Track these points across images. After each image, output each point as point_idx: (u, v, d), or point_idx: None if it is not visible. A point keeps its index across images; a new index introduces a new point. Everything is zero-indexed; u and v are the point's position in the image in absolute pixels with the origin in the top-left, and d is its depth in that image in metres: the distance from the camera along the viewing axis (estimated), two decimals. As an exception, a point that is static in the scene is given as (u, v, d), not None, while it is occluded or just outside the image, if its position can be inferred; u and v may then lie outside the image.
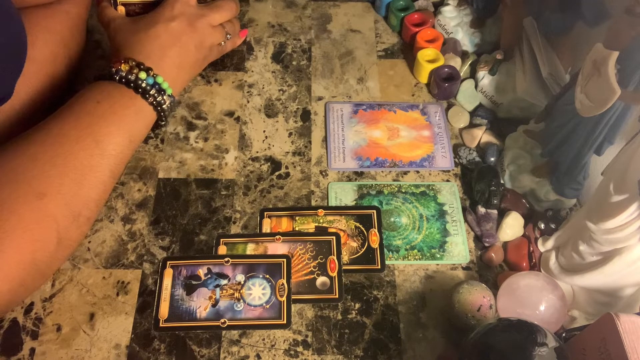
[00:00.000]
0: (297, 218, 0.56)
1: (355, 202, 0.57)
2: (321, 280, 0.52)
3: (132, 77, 0.52)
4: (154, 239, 0.54)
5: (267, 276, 0.52)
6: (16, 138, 0.48)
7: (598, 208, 0.45)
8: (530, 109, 0.60)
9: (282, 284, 0.51)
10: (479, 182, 0.56)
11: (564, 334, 0.47)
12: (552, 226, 0.54)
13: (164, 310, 0.50)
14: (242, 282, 0.51)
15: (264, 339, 0.49)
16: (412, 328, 0.50)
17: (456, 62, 0.65)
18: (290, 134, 0.62)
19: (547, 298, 0.46)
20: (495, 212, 0.56)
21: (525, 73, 0.59)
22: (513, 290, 0.48)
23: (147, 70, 0.53)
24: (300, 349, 0.49)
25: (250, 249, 0.54)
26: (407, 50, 0.69)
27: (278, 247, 0.54)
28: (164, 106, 0.54)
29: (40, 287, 0.51)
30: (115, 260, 0.53)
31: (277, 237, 0.54)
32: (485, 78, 0.63)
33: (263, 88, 0.66)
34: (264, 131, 0.62)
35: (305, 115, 0.64)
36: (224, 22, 0.62)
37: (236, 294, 0.51)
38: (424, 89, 0.66)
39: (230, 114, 0.63)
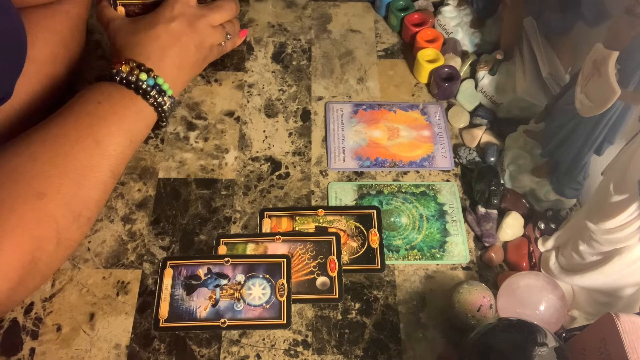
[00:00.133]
0: (297, 218, 0.56)
1: (355, 202, 0.57)
2: (321, 280, 0.52)
3: (133, 79, 0.52)
4: (154, 239, 0.54)
5: (267, 276, 0.52)
6: (16, 138, 0.48)
7: (598, 208, 0.45)
8: (530, 109, 0.60)
9: (282, 284, 0.51)
10: (479, 182, 0.56)
11: (564, 334, 0.47)
12: (552, 226, 0.54)
13: (164, 310, 0.50)
14: (242, 282, 0.51)
15: (264, 339, 0.49)
16: (412, 328, 0.50)
17: (456, 62, 0.65)
18: (290, 134, 0.62)
19: (547, 298, 0.46)
20: (495, 212, 0.56)
21: (525, 73, 0.59)
22: (513, 290, 0.48)
23: (148, 71, 0.53)
24: (300, 349, 0.49)
25: (250, 249, 0.54)
26: (407, 50, 0.69)
27: (278, 247, 0.54)
28: (164, 107, 0.54)
29: (40, 287, 0.51)
30: (115, 260, 0.53)
31: (277, 237, 0.54)
32: (485, 78, 0.63)
33: (263, 88, 0.66)
34: (264, 131, 0.62)
35: (305, 115, 0.64)
36: (224, 22, 0.62)
37: (236, 294, 0.51)
38: (424, 89, 0.66)
39: (230, 114, 0.63)
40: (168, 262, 0.52)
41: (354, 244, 0.54)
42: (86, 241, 0.54)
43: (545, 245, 0.53)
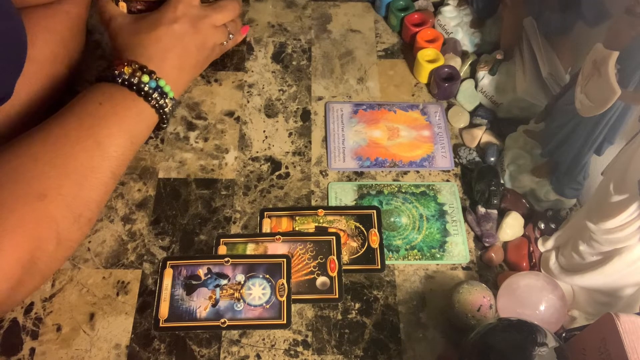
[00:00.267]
0: (297, 218, 0.56)
1: (355, 202, 0.57)
2: (321, 280, 0.52)
3: (135, 80, 0.52)
4: (154, 239, 0.54)
5: (267, 276, 0.52)
6: (17, 138, 0.48)
7: (598, 208, 0.45)
8: (530, 109, 0.60)
9: (282, 284, 0.51)
10: (479, 182, 0.56)
11: (564, 334, 0.47)
12: (552, 226, 0.54)
13: (164, 310, 0.50)
14: (242, 282, 0.51)
15: (264, 339, 0.49)
16: (412, 328, 0.50)
17: (456, 62, 0.65)
18: (290, 134, 0.62)
19: (547, 298, 0.46)
20: (495, 212, 0.56)
21: (525, 73, 0.59)
22: (513, 290, 0.48)
23: (150, 73, 0.53)
24: (300, 349, 0.49)
25: (250, 249, 0.54)
26: (407, 50, 0.69)
27: (278, 247, 0.54)
28: (165, 109, 0.54)
29: (40, 287, 0.51)
30: (115, 260, 0.53)
31: (277, 237, 0.54)
32: (485, 78, 0.63)
33: (263, 88, 0.66)
34: (264, 131, 0.62)
35: (305, 115, 0.64)
36: (226, 22, 0.62)
37: (236, 294, 0.51)
38: (424, 89, 0.66)
39: (230, 114, 0.63)
40: (168, 262, 0.52)
41: (354, 244, 0.54)
42: (86, 241, 0.54)
43: (545, 245, 0.53)
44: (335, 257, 0.53)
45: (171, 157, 0.60)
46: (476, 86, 0.64)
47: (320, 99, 0.65)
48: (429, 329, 0.50)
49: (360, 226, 0.55)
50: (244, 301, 0.51)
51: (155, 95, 0.53)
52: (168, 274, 0.52)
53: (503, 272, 0.53)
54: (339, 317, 0.51)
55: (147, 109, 0.53)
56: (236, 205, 0.57)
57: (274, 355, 0.49)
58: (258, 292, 0.51)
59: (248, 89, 0.65)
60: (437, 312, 0.51)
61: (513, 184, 0.57)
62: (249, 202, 0.57)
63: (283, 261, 0.52)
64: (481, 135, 0.61)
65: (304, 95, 0.65)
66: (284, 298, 0.51)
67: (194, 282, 0.51)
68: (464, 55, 0.67)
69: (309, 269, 0.53)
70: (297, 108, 0.64)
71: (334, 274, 0.52)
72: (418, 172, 0.60)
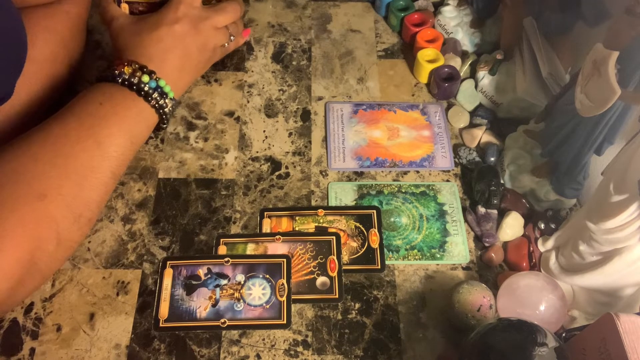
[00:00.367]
0: (297, 218, 0.56)
1: (355, 202, 0.57)
2: (321, 280, 0.52)
3: (135, 80, 0.52)
4: (154, 239, 0.54)
5: (267, 276, 0.52)
6: (17, 138, 0.48)
7: (598, 208, 0.45)
8: (530, 109, 0.60)
9: (282, 284, 0.51)
10: (479, 182, 0.56)
11: (564, 334, 0.47)
12: (552, 226, 0.54)
13: (164, 310, 0.50)
14: (242, 282, 0.51)
15: (264, 339, 0.49)
16: (412, 328, 0.50)
17: (456, 62, 0.65)
18: (290, 134, 0.62)
19: (547, 298, 0.46)
20: (495, 212, 0.56)
21: (525, 73, 0.59)
22: (513, 290, 0.48)
23: (150, 73, 0.53)
24: (300, 349, 0.49)
25: (250, 249, 0.54)
26: (407, 50, 0.69)
27: (278, 247, 0.54)
28: (165, 109, 0.54)
29: (40, 287, 0.51)
30: (115, 260, 0.53)
31: (277, 237, 0.54)
32: (485, 78, 0.63)
33: (263, 88, 0.66)
34: (264, 131, 0.62)
35: (305, 115, 0.64)
36: (228, 24, 0.62)
37: (236, 294, 0.51)
38: (424, 89, 0.66)
39: (230, 114, 0.63)
40: (168, 262, 0.52)
41: (354, 244, 0.54)
42: (86, 241, 0.54)
43: (545, 245, 0.53)
44: (335, 257, 0.53)
45: (171, 157, 0.60)
46: (476, 86, 0.64)
47: (320, 99, 0.65)
48: (429, 329, 0.50)
49: (360, 226, 0.55)
50: (244, 301, 0.51)
51: (155, 95, 0.53)
52: (168, 274, 0.52)
53: (503, 272, 0.53)
54: (339, 317, 0.51)
55: (147, 109, 0.53)
56: (236, 205, 0.57)
57: (274, 355, 0.49)
58: (258, 292, 0.51)
59: (248, 89, 0.65)
60: (437, 312, 0.51)
61: (513, 184, 0.57)
62: (249, 202, 0.57)
63: (283, 261, 0.52)
64: (481, 135, 0.61)
65: (304, 95, 0.65)
66: (284, 298, 0.51)
67: (194, 282, 0.51)
68: (464, 55, 0.67)
69: (309, 269, 0.53)
70: (297, 108, 0.64)
71: (334, 274, 0.52)
72: (418, 172, 0.60)
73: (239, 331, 0.50)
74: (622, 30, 0.41)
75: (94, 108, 0.50)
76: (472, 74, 0.65)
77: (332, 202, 0.57)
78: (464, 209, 0.57)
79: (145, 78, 0.52)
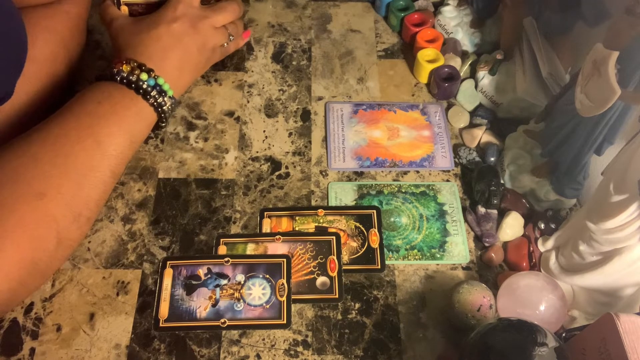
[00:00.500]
0: (297, 218, 0.56)
1: (355, 202, 0.57)
2: (321, 280, 0.52)
3: (134, 78, 0.52)
4: (154, 239, 0.54)
5: (267, 276, 0.52)
6: (17, 138, 0.48)
7: (598, 208, 0.45)
8: (530, 109, 0.60)
9: (282, 284, 0.51)
10: (479, 182, 0.56)
11: (564, 334, 0.47)
12: (552, 226, 0.54)
13: (164, 310, 0.50)
14: (242, 282, 0.51)
15: (264, 339, 0.49)
16: (412, 328, 0.50)
17: (456, 62, 0.65)
18: (290, 134, 0.62)
19: (547, 298, 0.46)
20: (495, 212, 0.56)
21: (525, 73, 0.59)
22: (513, 290, 0.48)
23: (149, 71, 0.53)
24: (300, 349, 0.49)
25: (250, 249, 0.54)
26: (407, 50, 0.69)
27: (278, 247, 0.54)
28: (164, 107, 0.54)
29: (40, 287, 0.51)
30: (115, 260, 0.53)
31: (277, 237, 0.54)
32: (485, 78, 0.63)
33: (263, 88, 0.66)
34: (264, 131, 0.62)
35: (305, 115, 0.64)
36: (227, 24, 0.62)
37: (236, 294, 0.51)
38: (424, 89, 0.66)
39: (230, 114, 0.63)
40: (168, 262, 0.52)
41: (354, 244, 0.54)
42: (86, 241, 0.54)
43: (545, 245, 0.53)
44: (335, 257, 0.53)
45: (171, 157, 0.60)
46: (476, 86, 0.64)
47: (320, 99, 0.65)
48: (429, 329, 0.50)
49: (360, 226, 0.55)
50: (244, 301, 0.51)
51: (154, 93, 0.53)
52: (168, 274, 0.52)
53: (503, 272, 0.53)
54: (339, 317, 0.51)
55: (146, 107, 0.53)
56: (236, 205, 0.57)
57: (274, 355, 0.49)
58: (258, 292, 0.51)
59: (248, 89, 0.65)
60: (437, 312, 0.51)
61: (513, 184, 0.57)
62: (249, 202, 0.57)
63: (283, 261, 0.52)
64: (481, 135, 0.61)
65: (304, 95, 0.65)
66: (284, 298, 0.51)
67: (194, 282, 0.51)
68: (464, 55, 0.67)
69: (309, 269, 0.53)
70: (297, 108, 0.64)
71: (334, 274, 0.52)
72: (418, 172, 0.60)
73: (239, 331, 0.50)
74: (622, 30, 0.41)
75: (93, 107, 0.50)
76: (472, 74, 0.65)
77: (332, 202, 0.57)
78: (464, 209, 0.57)
79: (144, 76, 0.52)
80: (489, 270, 0.54)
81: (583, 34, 0.55)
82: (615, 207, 0.43)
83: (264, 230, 0.55)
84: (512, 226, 0.55)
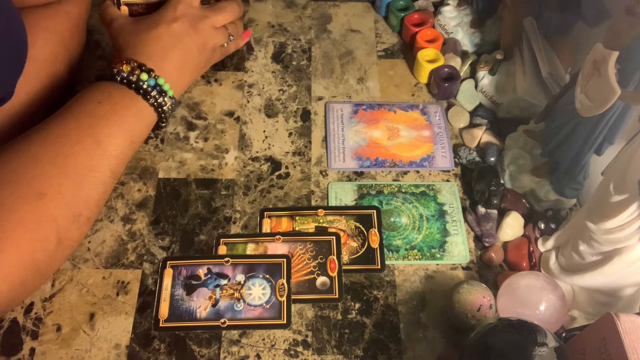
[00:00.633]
0: (297, 218, 0.56)
1: (355, 202, 0.57)
2: (321, 280, 0.52)
3: (134, 78, 0.52)
4: (154, 239, 0.54)
5: (267, 276, 0.52)
6: (17, 138, 0.48)
7: (598, 208, 0.45)
8: (530, 109, 0.60)
9: (282, 284, 0.51)
10: (479, 182, 0.56)
11: (564, 334, 0.47)
12: (552, 226, 0.54)
13: (164, 310, 0.50)
14: (242, 282, 0.51)
15: (264, 339, 0.49)
16: (412, 328, 0.50)
17: (456, 62, 0.65)
18: (290, 134, 0.62)
19: (547, 298, 0.46)
20: (495, 212, 0.56)
21: (525, 73, 0.59)
22: (513, 290, 0.48)
23: (149, 71, 0.53)
24: (300, 349, 0.49)
25: (250, 249, 0.54)
26: (407, 50, 0.69)
27: (278, 247, 0.54)
28: (164, 107, 0.54)
29: (40, 287, 0.51)
30: (115, 260, 0.53)
31: (277, 237, 0.54)
32: (485, 78, 0.63)
33: (263, 88, 0.66)
34: (264, 131, 0.62)
35: (305, 115, 0.64)
36: (227, 24, 0.62)
37: (236, 294, 0.51)
38: (424, 89, 0.66)
39: (230, 114, 0.63)
40: (168, 262, 0.52)
41: (354, 244, 0.54)
42: (86, 241, 0.54)
43: (545, 245, 0.53)
44: (335, 257, 0.53)
45: (171, 157, 0.60)
46: (476, 86, 0.64)
47: (320, 99, 0.65)
48: (429, 329, 0.50)
49: (360, 226, 0.55)
50: (244, 301, 0.51)
51: (154, 93, 0.53)
52: (168, 274, 0.52)
53: (503, 272, 0.53)
54: (339, 317, 0.51)
55: (146, 107, 0.53)
56: (236, 205, 0.57)
57: (274, 355, 0.49)
58: (258, 292, 0.51)
59: (248, 89, 0.65)
60: (437, 312, 0.51)
61: (513, 184, 0.57)
62: (249, 202, 0.57)
63: (283, 261, 0.52)
64: (481, 135, 0.61)
65: (304, 95, 0.65)
66: (284, 298, 0.51)
67: (194, 282, 0.51)
68: (464, 55, 0.67)
69: (309, 269, 0.53)
70: (297, 108, 0.64)
71: (334, 274, 0.52)
72: (418, 172, 0.60)
73: (239, 331, 0.50)
74: (622, 30, 0.41)
75: (93, 107, 0.50)
76: (472, 74, 0.65)
77: (332, 202, 0.57)
78: (464, 209, 0.57)
79: (144, 76, 0.52)
80: (489, 270, 0.54)
81: (583, 34, 0.55)
82: (615, 207, 0.43)
83: (264, 230, 0.55)
84: (512, 226, 0.55)
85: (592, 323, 0.42)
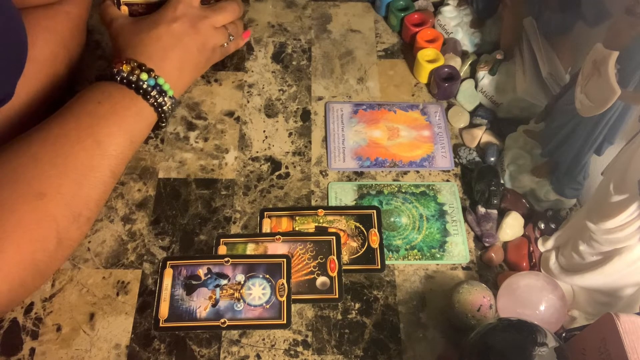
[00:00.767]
0: (297, 218, 0.56)
1: (355, 202, 0.57)
2: (321, 280, 0.52)
3: (134, 78, 0.52)
4: (154, 239, 0.54)
5: (267, 276, 0.52)
6: (17, 138, 0.48)
7: (598, 208, 0.45)
8: (530, 109, 0.60)
9: (282, 284, 0.51)
10: (479, 182, 0.56)
11: (564, 334, 0.47)
12: (552, 226, 0.54)
13: (164, 310, 0.50)
14: (242, 282, 0.51)
15: (264, 339, 0.49)
16: (412, 328, 0.50)
17: (456, 62, 0.65)
18: (290, 134, 0.62)
19: (547, 298, 0.46)
20: (495, 212, 0.56)
21: (525, 73, 0.59)
22: (513, 290, 0.48)
23: (149, 71, 0.53)
24: (300, 349, 0.49)
25: (250, 249, 0.54)
26: (407, 50, 0.69)
27: (278, 247, 0.54)
28: (164, 107, 0.54)
29: (40, 287, 0.51)
30: (115, 260, 0.53)
31: (277, 237, 0.54)
32: (485, 78, 0.63)
33: (263, 88, 0.66)
34: (264, 131, 0.62)
35: (305, 115, 0.64)
36: (227, 24, 0.62)
37: (236, 294, 0.51)
38: (424, 89, 0.66)
39: (230, 114, 0.63)
40: (168, 262, 0.52)
41: (354, 244, 0.54)
42: (86, 241, 0.54)
43: (545, 245, 0.53)
44: (335, 257, 0.53)
45: (171, 157, 0.60)
46: (476, 86, 0.64)
47: (320, 99, 0.65)
48: (429, 329, 0.50)
49: (360, 226, 0.55)
50: (244, 301, 0.51)
51: (154, 93, 0.53)
52: (168, 274, 0.52)
53: (503, 272, 0.53)
54: (339, 317, 0.51)
55: (146, 107, 0.53)
56: (236, 205, 0.57)
57: (274, 355, 0.49)
58: (258, 292, 0.51)
59: (248, 89, 0.65)
60: (437, 312, 0.51)
61: (513, 184, 0.57)
62: (249, 202, 0.57)
63: (283, 261, 0.52)
64: (481, 135, 0.61)
65: (304, 95, 0.65)
66: (284, 298, 0.51)
67: (194, 282, 0.51)
68: (464, 55, 0.67)
69: (309, 269, 0.53)
70: (297, 108, 0.64)
71: (334, 274, 0.52)
72: (418, 172, 0.60)
73: (239, 331, 0.50)
74: (622, 30, 0.41)
75: (93, 107, 0.50)
76: (472, 74, 0.65)
77: (332, 202, 0.57)
78: (464, 209, 0.57)
79: (144, 76, 0.52)
80: (489, 270, 0.54)
81: (583, 34, 0.55)
82: (615, 207, 0.43)
83: (264, 230, 0.55)
84: (512, 226, 0.55)
85: (592, 323, 0.42)
